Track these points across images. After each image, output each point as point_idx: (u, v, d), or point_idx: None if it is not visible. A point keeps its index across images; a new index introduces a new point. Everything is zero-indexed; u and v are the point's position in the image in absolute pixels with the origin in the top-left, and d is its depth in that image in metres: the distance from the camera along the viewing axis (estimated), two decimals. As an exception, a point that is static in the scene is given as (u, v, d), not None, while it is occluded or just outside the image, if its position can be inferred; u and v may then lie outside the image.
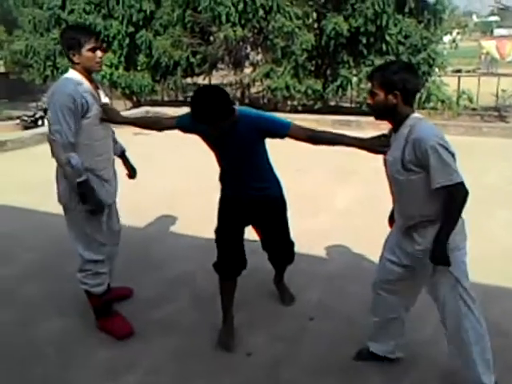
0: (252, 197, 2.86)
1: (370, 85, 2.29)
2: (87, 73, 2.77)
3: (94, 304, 3.05)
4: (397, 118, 2.25)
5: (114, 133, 3.19)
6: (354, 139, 2.52)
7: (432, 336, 2.92)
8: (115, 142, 3.22)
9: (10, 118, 17.10)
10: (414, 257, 2.38)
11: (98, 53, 2.74)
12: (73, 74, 2.74)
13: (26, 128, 13.34)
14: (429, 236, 2.25)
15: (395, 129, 2.29)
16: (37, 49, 14.54)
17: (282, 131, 2.65)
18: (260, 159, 2.84)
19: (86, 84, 2.75)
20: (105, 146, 2.94)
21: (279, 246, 3.21)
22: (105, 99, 2.95)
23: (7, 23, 23.84)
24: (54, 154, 2.72)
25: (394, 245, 2.49)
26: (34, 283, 3.72)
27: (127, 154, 3.39)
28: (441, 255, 2.19)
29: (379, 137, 2.42)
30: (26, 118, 15.06)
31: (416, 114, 2.26)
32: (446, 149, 2.11)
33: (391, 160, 2.27)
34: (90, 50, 2.70)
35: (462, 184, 2.12)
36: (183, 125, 2.82)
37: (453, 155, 2.13)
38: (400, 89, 2.17)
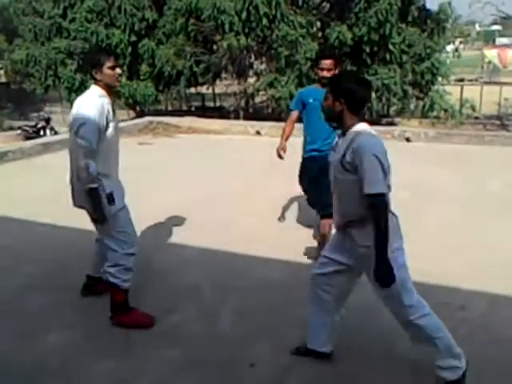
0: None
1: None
2: (108, 88, 3.09)
3: (119, 299, 3.19)
4: (343, 124, 2.43)
5: None
6: None
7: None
8: None
9: (12, 128, 17.08)
10: (353, 254, 2.50)
11: (117, 70, 3.08)
12: (96, 89, 3.06)
13: (28, 138, 13.27)
14: (365, 234, 2.36)
15: (343, 133, 2.46)
16: (38, 58, 14.48)
17: None
18: None
19: (107, 97, 3.08)
20: (117, 157, 3.23)
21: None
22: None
23: (8, 32, 23.89)
24: (77, 159, 2.96)
25: (335, 244, 2.65)
26: (36, 295, 3.64)
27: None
28: (384, 274, 2.28)
29: None
30: (27, 128, 15.01)
31: (363, 124, 2.40)
32: (380, 161, 2.25)
33: (334, 162, 2.46)
34: (110, 67, 3.03)
35: (382, 195, 2.26)
36: (296, 107, 4.19)
37: (385, 167, 2.27)
38: (345, 97, 2.36)
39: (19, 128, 15.47)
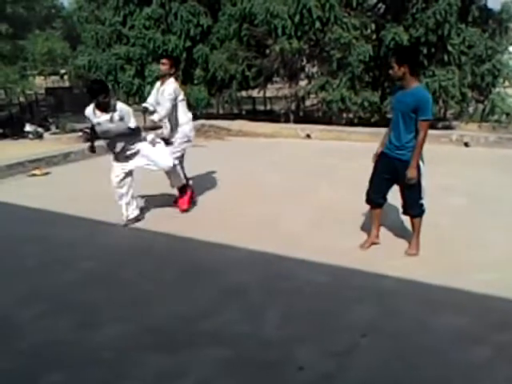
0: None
1: None
2: (161, 77, 5.56)
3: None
4: None
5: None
6: None
7: (485, 361, 2.76)
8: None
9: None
10: None
11: (160, 65, 5.46)
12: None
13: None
14: None
15: None
16: (99, 64, 15.12)
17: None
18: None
19: (159, 83, 5.56)
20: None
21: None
22: (167, 92, 5.28)
23: (72, 39, 25.14)
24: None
25: None
26: (92, 289, 3.80)
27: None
28: None
29: None
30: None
31: None
32: None
33: None
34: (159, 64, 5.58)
35: None
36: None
37: None
38: None
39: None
